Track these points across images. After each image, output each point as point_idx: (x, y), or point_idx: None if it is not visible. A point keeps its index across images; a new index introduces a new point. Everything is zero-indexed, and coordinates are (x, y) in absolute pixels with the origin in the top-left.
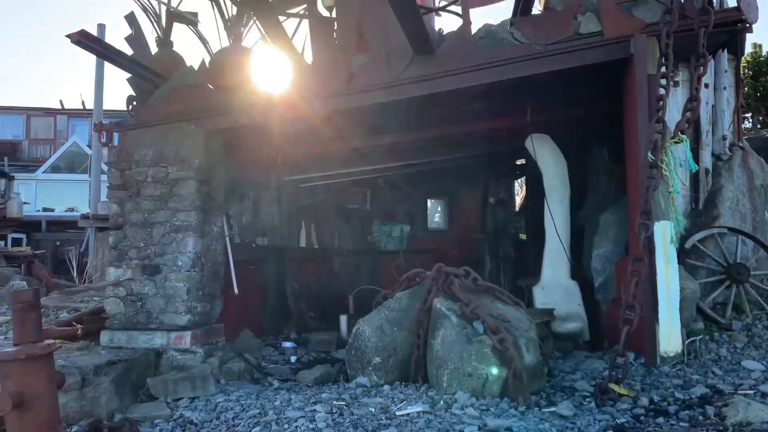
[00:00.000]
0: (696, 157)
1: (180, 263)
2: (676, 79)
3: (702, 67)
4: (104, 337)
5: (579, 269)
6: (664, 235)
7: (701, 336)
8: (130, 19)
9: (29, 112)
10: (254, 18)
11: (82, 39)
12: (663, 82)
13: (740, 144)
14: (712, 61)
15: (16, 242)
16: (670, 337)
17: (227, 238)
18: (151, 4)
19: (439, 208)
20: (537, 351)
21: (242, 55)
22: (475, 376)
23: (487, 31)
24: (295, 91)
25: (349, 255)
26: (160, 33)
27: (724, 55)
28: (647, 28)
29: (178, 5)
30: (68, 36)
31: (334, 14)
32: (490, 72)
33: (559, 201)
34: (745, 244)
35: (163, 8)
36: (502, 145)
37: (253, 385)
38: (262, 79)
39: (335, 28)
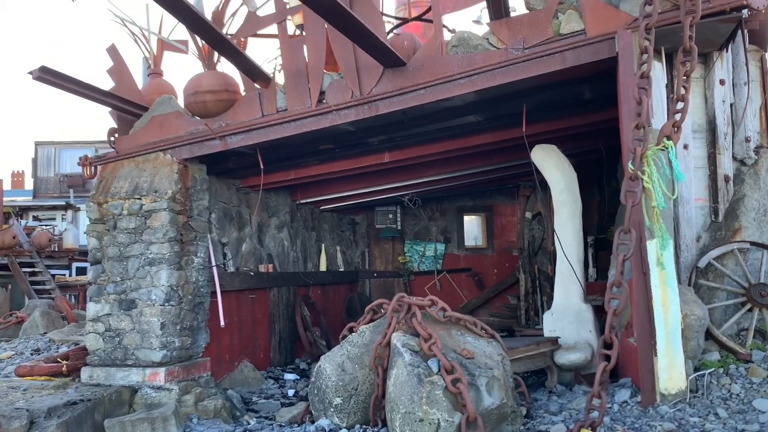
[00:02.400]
0: (714, 163)
1: (154, 297)
2: None
3: (689, 63)
4: (84, 373)
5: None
6: (658, 255)
7: (712, 369)
8: (111, 51)
9: (97, 145)
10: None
11: (42, 75)
12: (644, 82)
13: None
14: (728, 54)
15: (80, 271)
16: (670, 372)
17: (214, 269)
18: (142, 34)
19: (476, 225)
20: (504, 391)
21: (216, 80)
22: (426, 422)
23: (460, 38)
24: (269, 115)
25: (380, 276)
26: (151, 63)
27: (742, 47)
28: (634, 23)
29: (170, 33)
30: (30, 73)
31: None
32: (463, 83)
33: (569, 217)
34: None
35: (154, 38)
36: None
37: (225, 425)
38: (238, 104)
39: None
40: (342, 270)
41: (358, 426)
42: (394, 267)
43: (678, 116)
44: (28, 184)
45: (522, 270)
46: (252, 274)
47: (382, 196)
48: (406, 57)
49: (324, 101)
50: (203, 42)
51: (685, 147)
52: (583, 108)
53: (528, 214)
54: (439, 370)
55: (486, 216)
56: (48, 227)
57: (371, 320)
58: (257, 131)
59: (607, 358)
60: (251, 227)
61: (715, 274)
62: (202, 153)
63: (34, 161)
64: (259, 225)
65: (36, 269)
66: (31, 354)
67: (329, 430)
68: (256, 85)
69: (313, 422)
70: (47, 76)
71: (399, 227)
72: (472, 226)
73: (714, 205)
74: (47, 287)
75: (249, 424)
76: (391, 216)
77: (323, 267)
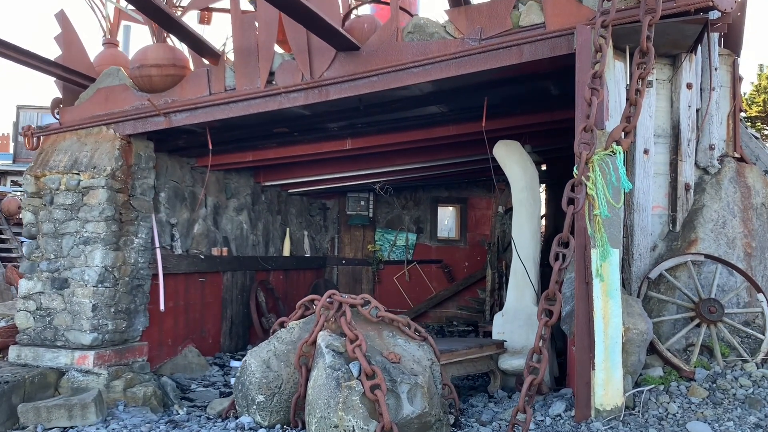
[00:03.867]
0: (675, 170)
1: (87, 277)
2: (650, 78)
3: (645, 65)
4: (12, 353)
5: None
6: (597, 266)
7: (653, 386)
8: (60, 17)
9: None
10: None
11: None
12: (596, 82)
13: (735, 155)
14: (696, 57)
15: None
16: (607, 387)
17: (157, 250)
18: (101, 2)
19: (451, 216)
20: (428, 399)
21: (163, 53)
22: (341, 428)
23: (416, 24)
24: (216, 94)
25: (349, 264)
26: (106, 32)
27: (715, 50)
28: (594, 19)
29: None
30: None
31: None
32: (416, 72)
33: (528, 217)
34: (732, 275)
35: (111, 6)
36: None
37: (152, 414)
38: (186, 80)
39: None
40: (308, 256)
41: (278, 426)
42: (364, 255)
43: (628, 121)
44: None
45: (489, 265)
46: (202, 257)
47: (354, 183)
48: (362, 41)
49: (273, 82)
50: None
51: (646, 152)
52: (551, 104)
53: (501, 209)
54: (360, 375)
55: (461, 208)
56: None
57: (302, 316)
58: (203, 110)
59: (535, 371)
60: (205, 209)
61: (667, 286)
62: (146, 129)
63: (15, 125)
64: (216, 206)
65: (3, 236)
66: None
67: (249, 429)
68: (206, 62)
69: (236, 417)
70: None
71: (371, 215)
72: (446, 218)
73: (672, 213)
74: (14, 255)
75: (178, 414)
76: (363, 203)
77: (287, 252)
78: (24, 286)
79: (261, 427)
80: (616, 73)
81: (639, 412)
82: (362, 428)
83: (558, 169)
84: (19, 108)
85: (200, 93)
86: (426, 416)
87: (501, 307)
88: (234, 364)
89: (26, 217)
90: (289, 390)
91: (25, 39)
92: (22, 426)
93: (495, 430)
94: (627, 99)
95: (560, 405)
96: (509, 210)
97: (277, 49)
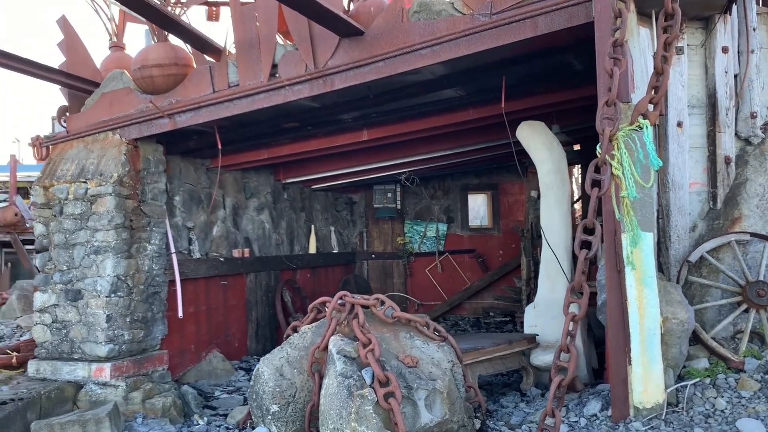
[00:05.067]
0: (713, 142)
1: (99, 288)
2: (680, 44)
3: (671, 29)
4: (31, 367)
5: None
6: (628, 253)
7: (698, 379)
8: (62, 23)
9: None
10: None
11: None
12: (617, 51)
13: None
14: (731, 17)
15: None
16: (646, 383)
17: (173, 256)
18: (105, 3)
19: (482, 204)
20: (448, 405)
21: (164, 53)
22: None
23: (422, 3)
24: (220, 91)
25: (379, 258)
26: (112, 35)
27: (752, 9)
28: None
29: None
30: None
31: None
32: (425, 54)
33: (556, 201)
34: None
35: (116, 9)
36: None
37: (171, 426)
38: (189, 79)
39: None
40: (336, 252)
41: None
42: (394, 248)
43: (656, 91)
44: None
45: (524, 253)
46: (222, 260)
47: (378, 175)
48: (369, 25)
49: (277, 75)
50: None
51: (679, 125)
52: (576, 80)
53: (533, 193)
54: (373, 382)
55: (492, 194)
56: None
57: (315, 319)
58: (207, 108)
59: (563, 371)
60: (224, 210)
61: (710, 269)
62: (151, 132)
63: None
64: (235, 207)
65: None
66: None
67: None
68: (208, 58)
69: (253, 428)
70: None
71: (399, 206)
72: (477, 205)
73: (712, 190)
74: None
75: (198, 424)
76: (390, 195)
77: (313, 249)
78: (39, 299)
79: None
80: (641, 41)
81: (683, 409)
82: None
83: (592, 149)
84: (53, 119)
85: (203, 91)
86: (447, 423)
87: None
88: None
89: (37, 228)
90: (303, 398)
91: (39, 48)
92: None
93: None
94: (654, 68)
95: (596, 404)
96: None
97: (282, 40)
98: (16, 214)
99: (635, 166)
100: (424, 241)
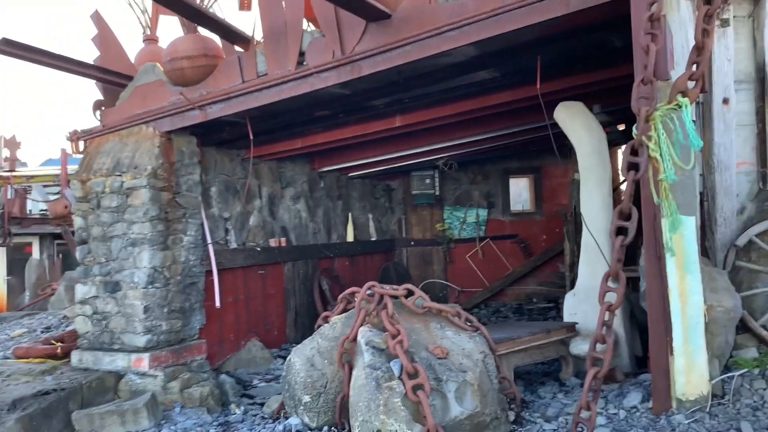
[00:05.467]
0: (762, 119)
1: (137, 279)
2: (725, 16)
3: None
4: (74, 357)
5: None
6: (667, 239)
7: (745, 370)
8: (95, 18)
9: None
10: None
11: (5, 48)
12: (654, 26)
13: None
14: None
15: None
16: (689, 374)
17: (210, 246)
18: None
19: (523, 188)
20: (479, 397)
21: (193, 44)
22: None
23: None
24: (249, 81)
25: (418, 245)
26: (145, 27)
27: None
28: None
29: None
30: None
31: None
32: (454, 36)
33: (596, 184)
34: None
35: (149, 1)
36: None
37: (207, 415)
38: (218, 70)
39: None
40: (374, 239)
41: (326, 427)
42: (433, 235)
43: (696, 67)
44: None
45: (567, 237)
46: (259, 249)
47: (415, 161)
48: (395, 8)
49: (304, 63)
50: None
51: (725, 101)
52: (615, 58)
53: (577, 176)
54: (401, 374)
55: (534, 178)
56: None
57: (344, 310)
58: (237, 99)
59: (599, 362)
60: (260, 200)
61: (759, 253)
62: (183, 125)
63: None
64: (271, 197)
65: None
66: (42, 332)
67: (297, 431)
68: (237, 49)
69: (286, 418)
70: (11, 48)
71: (437, 192)
72: (519, 189)
73: (762, 169)
74: None
75: (234, 413)
76: (428, 181)
77: (350, 237)
78: (80, 290)
79: (309, 429)
80: (682, 14)
81: (729, 401)
82: None
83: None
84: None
85: (233, 82)
86: (479, 416)
87: None
88: None
89: (77, 222)
90: (334, 389)
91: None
92: None
93: (560, 427)
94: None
95: (636, 395)
96: None
97: (310, 26)
98: (66, 207)
99: (674, 147)
100: (464, 227)
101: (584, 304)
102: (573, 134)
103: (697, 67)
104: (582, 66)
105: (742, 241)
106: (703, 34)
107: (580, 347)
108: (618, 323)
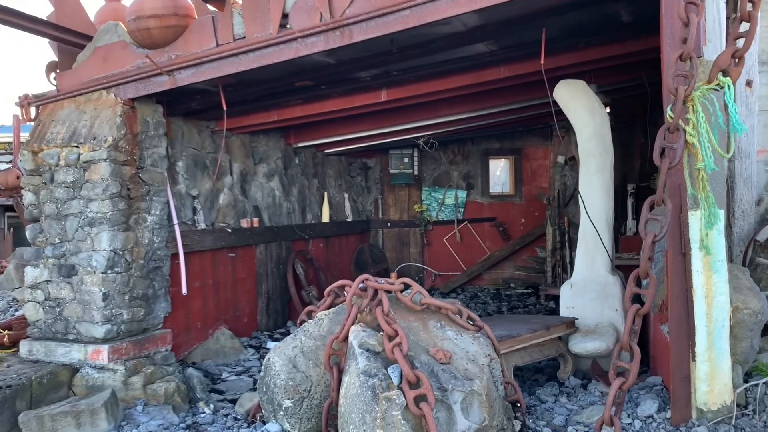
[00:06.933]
0: None
1: (95, 263)
2: None
3: None
4: (23, 347)
5: None
6: (702, 235)
7: None
8: None
9: None
10: None
11: None
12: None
13: None
14: None
15: None
16: (712, 382)
17: (176, 227)
18: None
19: (504, 170)
20: (487, 408)
21: (161, 1)
22: None
23: None
24: (224, 44)
25: (395, 226)
26: None
27: None
28: None
29: None
30: None
31: None
32: (458, 1)
33: (597, 169)
34: None
35: None
36: None
37: (173, 415)
38: (189, 31)
39: None
40: (350, 220)
41: None
42: (410, 216)
43: (740, 42)
44: None
45: (549, 222)
46: (230, 230)
47: (395, 138)
48: None
49: (288, 26)
50: None
51: (748, 84)
52: (621, 34)
53: (560, 158)
54: (401, 382)
55: (514, 159)
56: None
57: (332, 304)
58: (210, 64)
59: (624, 372)
60: (231, 176)
61: None
62: (149, 91)
63: None
64: (243, 173)
65: None
66: None
67: None
68: (211, 8)
69: (264, 422)
70: None
71: (416, 172)
72: (499, 171)
73: None
74: None
75: (204, 413)
76: (406, 160)
77: (326, 218)
78: (30, 274)
79: None
80: None
81: (754, 411)
82: None
83: (624, 110)
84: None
85: (206, 45)
86: (486, 430)
87: (565, 269)
88: (271, 344)
89: (27, 197)
90: (320, 394)
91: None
92: None
93: None
94: (736, 15)
95: (652, 404)
96: (571, 159)
97: None
98: (18, 177)
99: (713, 132)
100: (443, 208)
101: (581, 296)
102: (573, 115)
103: (743, 43)
104: (585, 41)
105: (762, 235)
106: (750, 3)
107: (581, 345)
108: (618, 317)
